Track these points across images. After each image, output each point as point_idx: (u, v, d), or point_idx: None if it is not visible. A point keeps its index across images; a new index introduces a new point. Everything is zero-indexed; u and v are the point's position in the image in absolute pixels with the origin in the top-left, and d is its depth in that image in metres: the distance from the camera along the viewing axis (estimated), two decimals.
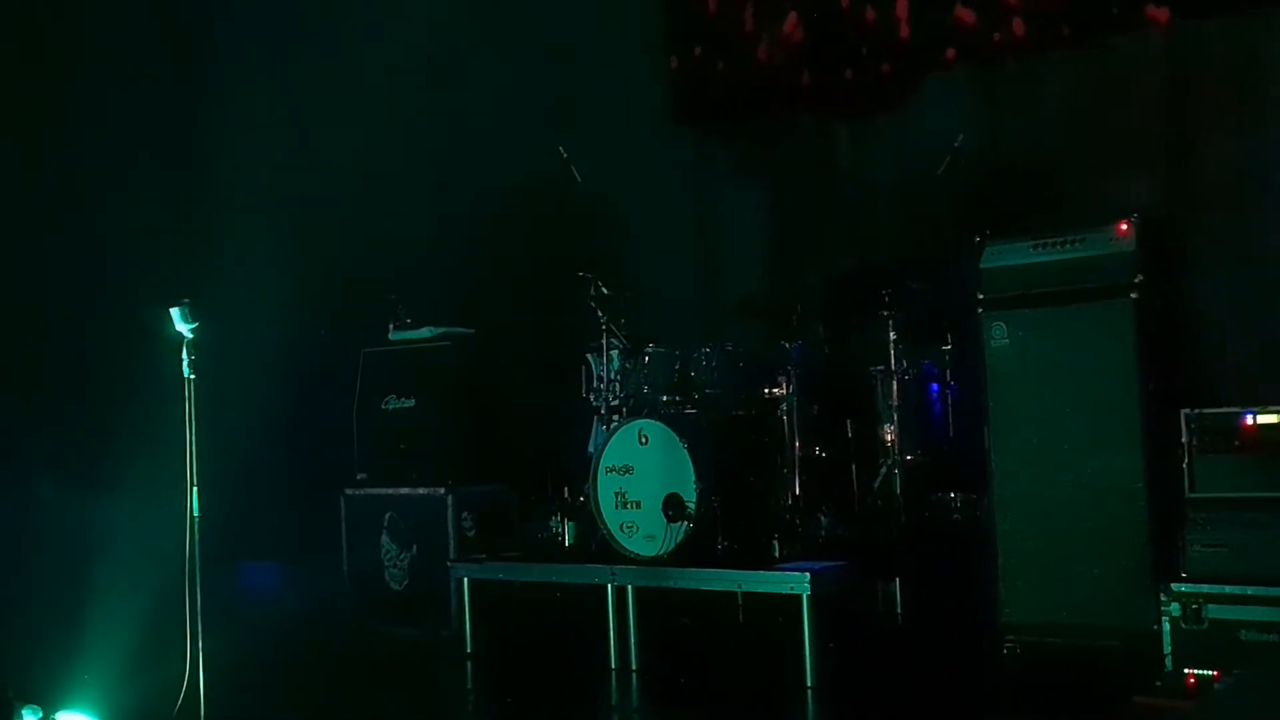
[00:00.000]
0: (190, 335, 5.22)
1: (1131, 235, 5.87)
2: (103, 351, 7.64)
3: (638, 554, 6.65)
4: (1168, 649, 5.45)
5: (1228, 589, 5.34)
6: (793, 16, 8.36)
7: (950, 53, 7.75)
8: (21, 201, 7.72)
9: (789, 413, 6.87)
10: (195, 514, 5.22)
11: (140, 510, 7.08)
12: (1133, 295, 5.82)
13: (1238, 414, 5.54)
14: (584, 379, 7.42)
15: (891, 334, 6.97)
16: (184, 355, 5.24)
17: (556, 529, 7.24)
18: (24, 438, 7.54)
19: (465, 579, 7.28)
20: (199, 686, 5.19)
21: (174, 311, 5.21)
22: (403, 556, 7.85)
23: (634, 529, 6.68)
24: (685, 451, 6.49)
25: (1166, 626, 5.45)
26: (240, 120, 8.65)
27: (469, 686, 6.88)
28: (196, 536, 5.21)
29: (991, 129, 7.49)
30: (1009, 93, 7.52)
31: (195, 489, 5.21)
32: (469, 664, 7.10)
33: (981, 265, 6.21)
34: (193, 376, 5.25)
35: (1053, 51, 7.35)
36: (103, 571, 6.74)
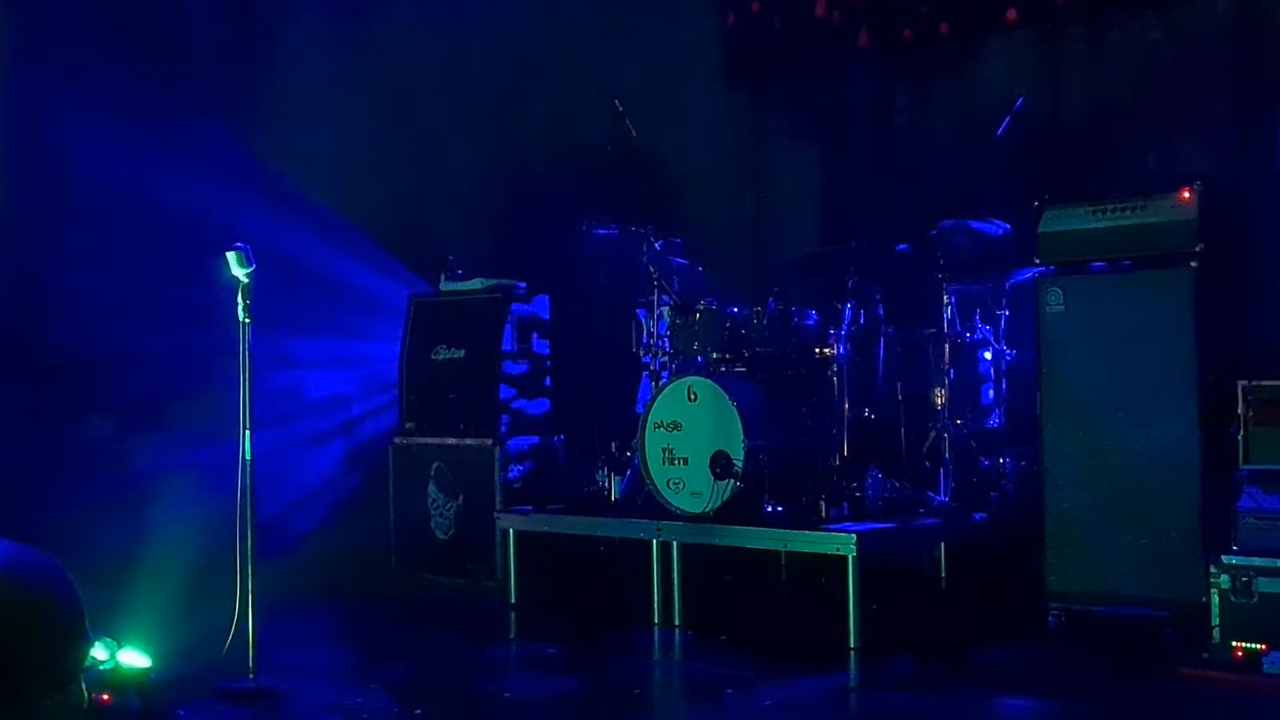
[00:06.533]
0: (246, 279, 5.24)
1: (1194, 202, 5.78)
2: (160, 295, 7.71)
3: (684, 510, 6.66)
4: (1216, 621, 5.40)
5: (1279, 562, 5.29)
6: None
7: (1011, 13, 7.63)
8: (79, 150, 7.77)
9: (839, 373, 6.84)
10: (248, 457, 5.26)
11: (193, 451, 7.16)
12: (1193, 264, 5.74)
13: None
14: (634, 334, 7.42)
15: (945, 297, 6.92)
16: (239, 299, 5.26)
17: (603, 483, 7.27)
18: (82, 377, 7.62)
19: (511, 530, 7.32)
20: (248, 628, 5.25)
21: (230, 255, 5.22)
22: (449, 506, 7.90)
23: (681, 485, 6.69)
24: (734, 409, 6.48)
25: (1215, 598, 5.41)
26: (299, 70, 8.66)
27: (513, 636, 6.92)
28: (249, 480, 5.25)
29: (1053, 91, 7.39)
30: (1071, 54, 7.41)
31: (248, 432, 5.25)
32: (513, 614, 7.15)
33: (1040, 229, 6.13)
34: (248, 320, 5.27)
35: (1117, 12, 7.23)
36: (155, 512, 6.83)
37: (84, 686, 1.65)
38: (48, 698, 1.59)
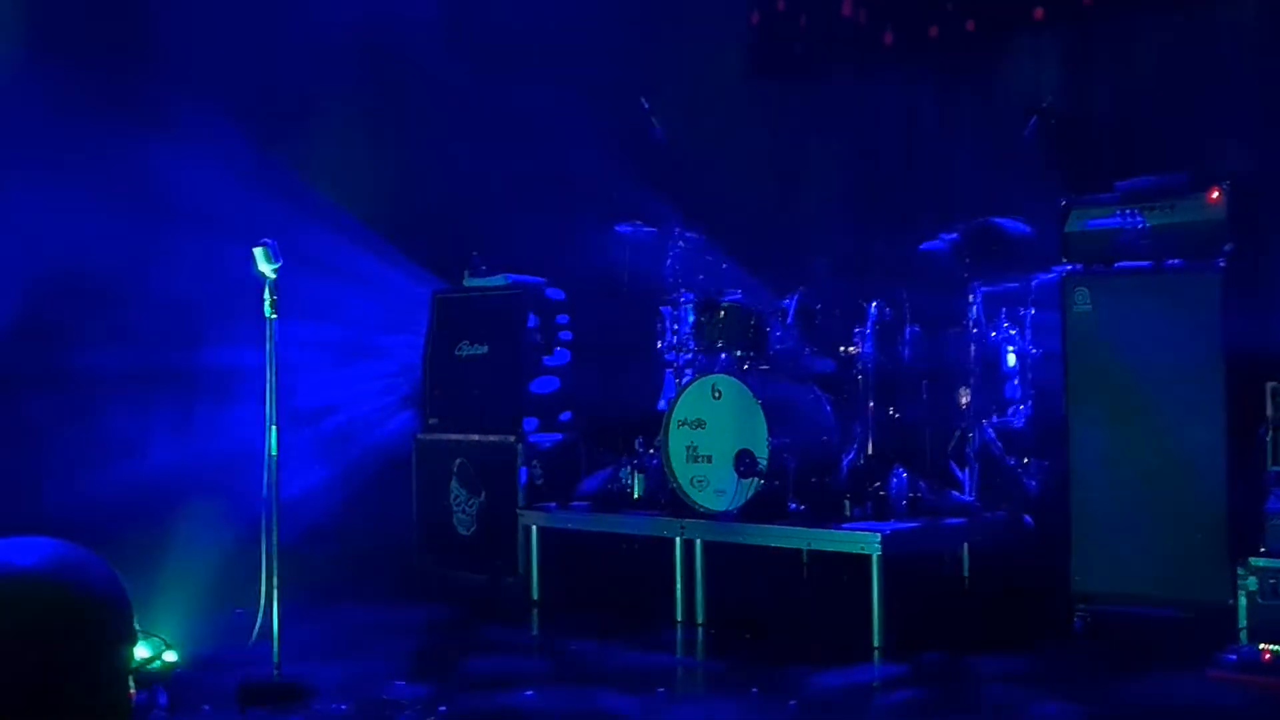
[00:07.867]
0: (273, 276, 5.24)
1: (1223, 202, 5.75)
2: (185, 290, 7.73)
3: (707, 508, 6.64)
4: (1243, 623, 5.38)
5: None
6: None
7: (1039, 11, 7.58)
8: (99, 147, 7.78)
9: (865, 372, 6.83)
10: (274, 453, 5.26)
11: (219, 448, 7.18)
12: (1221, 263, 5.71)
13: None
14: (659, 332, 7.41)
15: (971, 295, 6.89)
16: (266, 295, 5.26)
17: (626, 480, 7.26)
18: (107, 373, 7.64)
19: (534, 527, 7.32)
20: (273, 625, 5.25)
21: (257, 252, 5.22)
22: (471, 502, 7.90)
23: (704, 483, 6.68)
24: (759, 407, 6.47)
25: (1243, 600, 5.38)
26: (322, 69, 8.67)
27: (535, 633, 6.93)
28: (275, 476, 5.26)
29: (1080, 90, 7.35)
30: (1099, 53, 7.36)
31: (275, 428, 5.26)
32: (535, 611, 7.15)
33: (1066, 229, 6.11)
34: (274, 316, 5.27)
35: (1145, 11, 7.19)
36: (181, 508, 6.84)
37: (132, 686, 1.65)
38: (97, 698, 1.59)
